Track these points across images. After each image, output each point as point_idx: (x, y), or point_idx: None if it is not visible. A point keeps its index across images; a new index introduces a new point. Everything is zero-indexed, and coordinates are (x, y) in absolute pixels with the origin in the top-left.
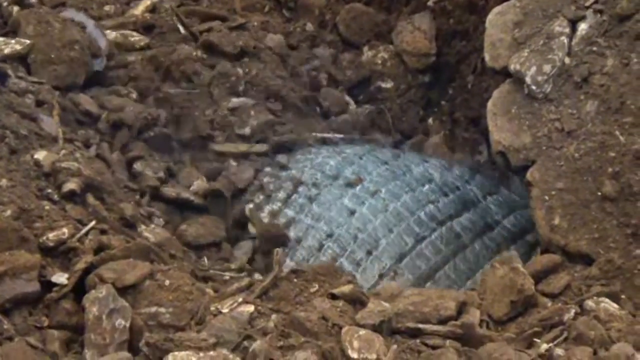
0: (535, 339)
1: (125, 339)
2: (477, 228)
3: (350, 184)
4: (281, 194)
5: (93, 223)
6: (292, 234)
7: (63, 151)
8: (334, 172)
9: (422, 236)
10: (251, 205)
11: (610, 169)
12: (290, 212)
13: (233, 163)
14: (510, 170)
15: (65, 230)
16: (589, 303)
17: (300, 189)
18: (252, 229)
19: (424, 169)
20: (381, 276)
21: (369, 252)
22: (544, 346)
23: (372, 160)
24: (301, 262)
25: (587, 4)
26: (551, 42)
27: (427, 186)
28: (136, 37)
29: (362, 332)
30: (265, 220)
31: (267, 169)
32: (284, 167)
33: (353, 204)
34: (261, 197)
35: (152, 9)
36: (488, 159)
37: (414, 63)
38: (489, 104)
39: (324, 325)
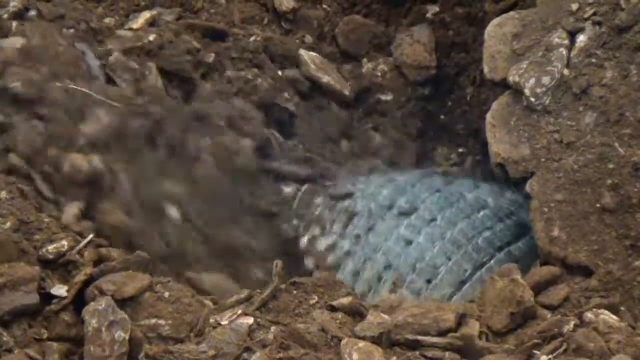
0: (534, 351)
1: (124, 351)
2: (535, 252)
3: (404, 213)
4: (336, 227)
5: (92, 235)
6: (350, 266)
7: None
8: (388, 201)
9: (481, 263)
10: (306, 239)
11: (609, 181)
12: (346, 245)
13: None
14: (509, 181)
15: (64, 242)
16: (588, 315)
17: (355, 220)
18: (309, 264)
19: (477, 195)
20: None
21: (429, 281)
22: (544, 358)
23: (425, 188)
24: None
25: (586, 15)
26: (550, 54)
27: (482, 212)
28: None
29: (362, 343)
30: (321, 253)
31: (320, 199)
32: (339, 198)
33: (409, 233)
34: (317, 229)
35: (152, 22)
36: None
37: (414, 76)
38: (488, 115)
39: (323, 337)
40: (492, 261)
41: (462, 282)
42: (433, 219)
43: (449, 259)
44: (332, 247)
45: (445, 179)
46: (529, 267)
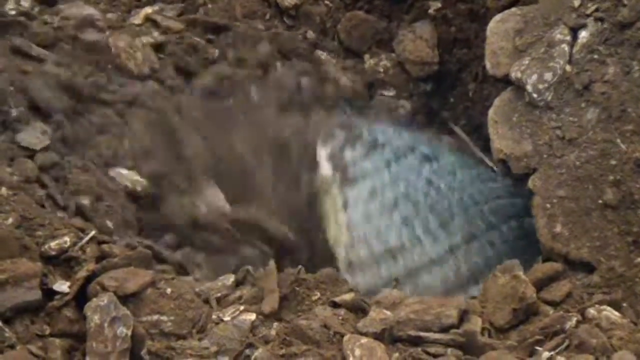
0: (537, 347)
1: (126, 347)
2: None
3: (427, 158)
4: (360, 149)
5: (94, 232)
6: (367, 184)
7: None
8: (412, 144)
9: (493, 225)
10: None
11: (611, 177)
12: (368, 165)
13: None
14: (512, 177)
15: (67, 238)
16: (591, 311)
17: (379, 149)
18: (326, 171)
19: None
20: (451, 250)
21: (443, 224)
22: (546, 354)
23: (444, 146)
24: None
25: (588, 11)
26: (552, 50)
27: (494, 184)
28: None
29: (364, 340)
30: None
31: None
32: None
33: (433, 176)
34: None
35: (153, 19)
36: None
37: (416, 72)
38: (490, 112)
39: (326, 334)
40: (504, 227)
41: (473, 237)
42: (453, 172)
43: (466, 210)
44: (354, 162)
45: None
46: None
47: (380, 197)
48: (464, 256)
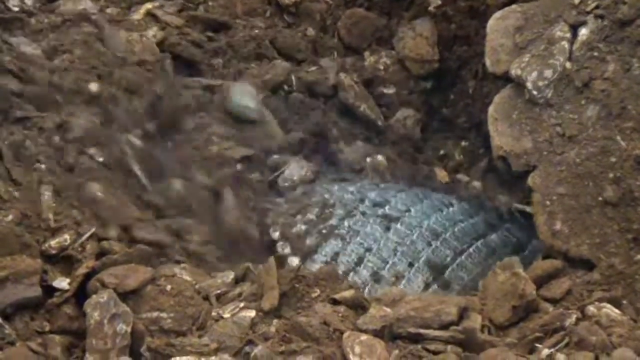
0: (536, 344)
1: (126, 344)
2: (510, 245)
3: (378, 204)
4: (311, 214)
5: (94, 229)
6: (328, 249)
7: None
8: (359, 195)
9: (461, 250)
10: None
11: (611, 174)
12: (324, 229)
13: None
14: (511, 175)
15: (66, 235)
16: (591, 308)
17: (330, 209)
18: (283, 250)
19: (441, 197)
20: (427, 286)
21: (411, 264)
22: (546, 351)
23: (390, 188)
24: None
25: (588, 9)
26: (552, 47)
27: (451, 208)
28: None
29: (364, 337)
30: (298, 238)
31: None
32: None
33: (387, 221)
34: (291, 218)
35: (153, 14)
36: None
37: (417, 69)
38: (490, 109)
39: (326, 331)
40: (471, 249)
41: (445, 267)
42: (408, 210)
43: (430, 244)
44: (307, 233)
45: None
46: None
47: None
48: (440, 290)
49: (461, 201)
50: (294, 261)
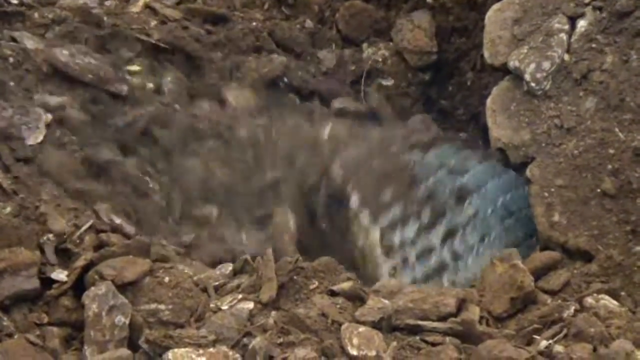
0: (534, 336)
1: (125, 335)
2: None
3: (455, 172)
4: None
5: (92, 221)
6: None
7: None
8: (438, 160)
9: (531, 232)
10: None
11: (609, 166)
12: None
13: None
14: (510, 166)
15: (65, 227)
16: (589, 300)
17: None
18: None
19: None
20: None
21: (483, 238)
22: (544, 343)
23: (471, 156)
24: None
25: (587, 0)
26: (550, 39)
27: (521, 190)
28: None
29: (362, 328)
30: None
31: None
32: None
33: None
34: None
35: (152, 7)
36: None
37: (415, 61)
38: (488, 101)
39: (324, 322)
40: None
41: (515, 245)
42: (483, 185)
43: (503, 221)
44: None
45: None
46: None
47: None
48: None
49: None
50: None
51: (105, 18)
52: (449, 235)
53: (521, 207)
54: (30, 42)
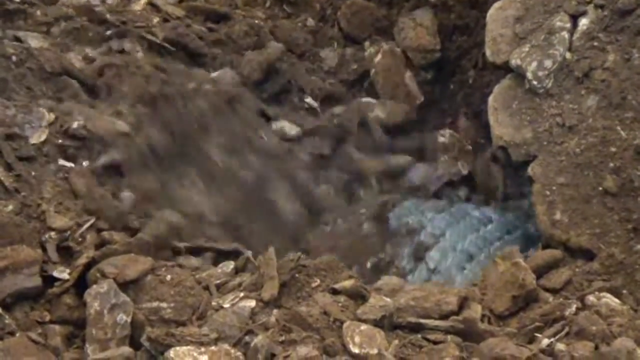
0: (536, 334)
1: (126, 333)
2: None
3: (413, 231)
4: None
5: (94, 219)
6: None
7: None
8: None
9: None
10: None
11: (611, 164)
12: None
13: None
14: (511, 165)
15: (67, 225)
16: (591, 298)
17: None
18: None
19: (481, 213)
20: None
21: None
22: (546, 341)
23: (430, 208)
24: None
25: None
26: (552, 37)
27: (489, 226)
28: None
29: (364, 327)
30: None
31: None
32: None
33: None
34: None
35: (154, 4)
36: None
37: (418, 59)
38: (490, 99)
39: (326, 320)
40: None
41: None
42: (442, 234)
43: (463, 268)
44: None
45: (446, 203)
46: None
47: None
48: None
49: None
50: None
51: (108, 15)
52: None
53: (481, 248)
54: (34, 41)
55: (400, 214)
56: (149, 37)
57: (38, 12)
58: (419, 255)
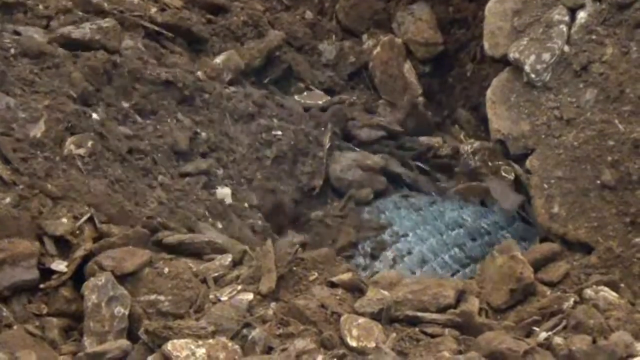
0: (534, 328)
1: (124, 326)
2: None
3: (380, 227)
4: None
5: (92, 212)
6: None
7: None
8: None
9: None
10: None
11: (609, 158)
12: None
13: None
14: (509, 158)
15: (64, 219)
16: (588, 292)
17: None
18: None
19: (458, 215)
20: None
21: None
22: (543, 334)
23: (408, 205)
24: None
25: None
26: (550, 31)
27: (456, 230)
28: None
29: (361, 320)
30: None
31: None
32: None
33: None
34: None
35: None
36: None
37: (422, 53)
38: (488, 92)
39: (323, 313)
40: (455, 277)
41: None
42: (405, 235)
43: (413, 272)
44: None
45: (431, 198)
46: None
47: None
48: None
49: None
50: None
51: (105, 5)
52: None
53: (437, 254)
54: (34, 35)
55: (380, 207)
56: (148, 25)
57: (40, 7)
58: (375, 253)
